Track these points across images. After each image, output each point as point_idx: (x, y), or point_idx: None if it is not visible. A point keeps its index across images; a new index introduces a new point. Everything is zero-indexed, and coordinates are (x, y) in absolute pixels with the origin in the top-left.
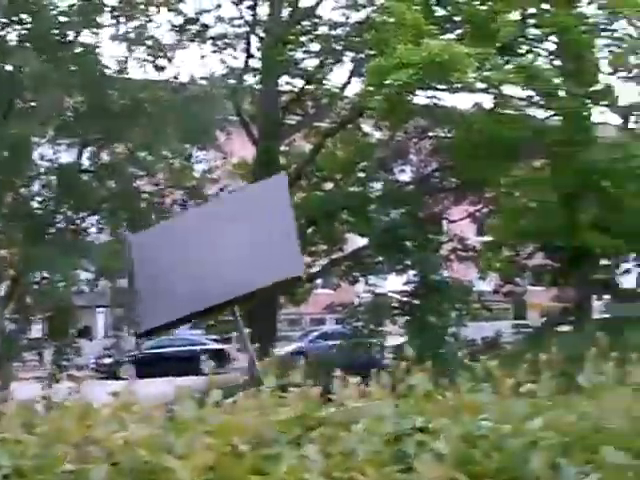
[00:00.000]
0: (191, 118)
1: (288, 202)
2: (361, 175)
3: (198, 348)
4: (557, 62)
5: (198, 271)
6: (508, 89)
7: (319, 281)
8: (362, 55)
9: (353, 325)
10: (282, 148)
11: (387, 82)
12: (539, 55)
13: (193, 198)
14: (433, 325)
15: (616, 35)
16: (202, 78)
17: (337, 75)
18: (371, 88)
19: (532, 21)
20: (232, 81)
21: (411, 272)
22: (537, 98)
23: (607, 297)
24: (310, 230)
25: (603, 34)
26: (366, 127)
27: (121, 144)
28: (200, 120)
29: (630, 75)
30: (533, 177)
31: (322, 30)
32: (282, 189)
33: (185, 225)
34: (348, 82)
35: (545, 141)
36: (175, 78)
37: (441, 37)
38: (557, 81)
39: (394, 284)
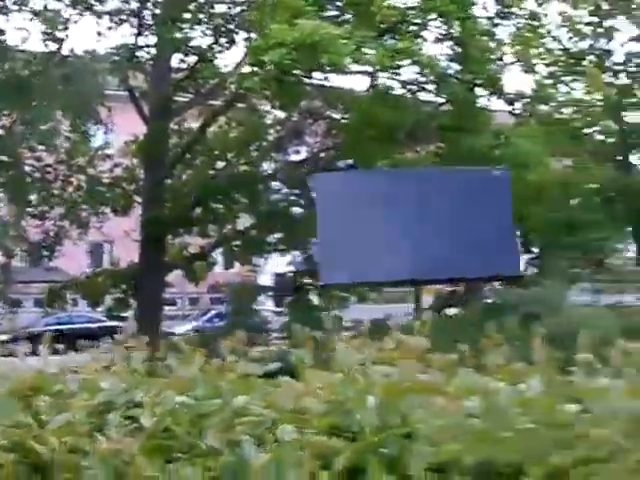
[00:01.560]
0: (75, 92)
1: (510, 199)
2: (255, 154)
3: (96, 325)
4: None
5: (397, 237)
6: (403, 74)
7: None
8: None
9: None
10: (174, 126)
11: (263, 61)
12: (425, 40)
13: (83, 173)
14: (314, 305)
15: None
16: (86, 52)
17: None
18: (252, 68)
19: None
20: (122, 56)
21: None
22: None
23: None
24: (199, 209)
25: (505, 23)
26: (264, 107)
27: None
28: (84, 95)
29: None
30: (413, 160)
31: (218, 8)
32: (505, 184)
33: (384, 183)
34: (241, 61)
35: (432, 126)
36: (70, 52)
37: (321, 18)
38: (447, 67)
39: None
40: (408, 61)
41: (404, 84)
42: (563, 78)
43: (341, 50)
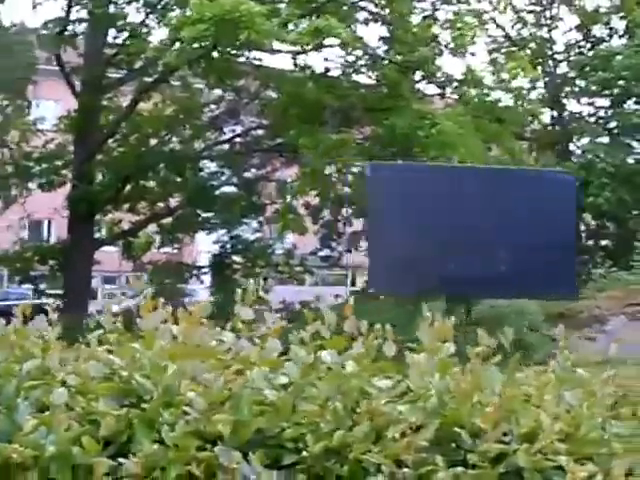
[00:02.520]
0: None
1: (575, 209)
2: (188, 132)
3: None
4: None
5: (455, 247)
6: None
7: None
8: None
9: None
10: (106, 103)
11: (183, 37)
12: (357, 21)
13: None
14: (238, 285)
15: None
16: (15, 25)
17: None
18: (181, 45)
19: None
20: (52, 30)
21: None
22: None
23: None
24: (128, 187)
25: (446, 7)
26: (198, 85)
27: None
28: (13, 69)
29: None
30: (336, 142)
31: None
32: (571, 191)
33: (444, 180)
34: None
35: (360, 107)
36: None
37: None
38: (376, 48)
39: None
40: (337, 41)
41: (345, 66)
42: (506, 65)
43: (262, 28)
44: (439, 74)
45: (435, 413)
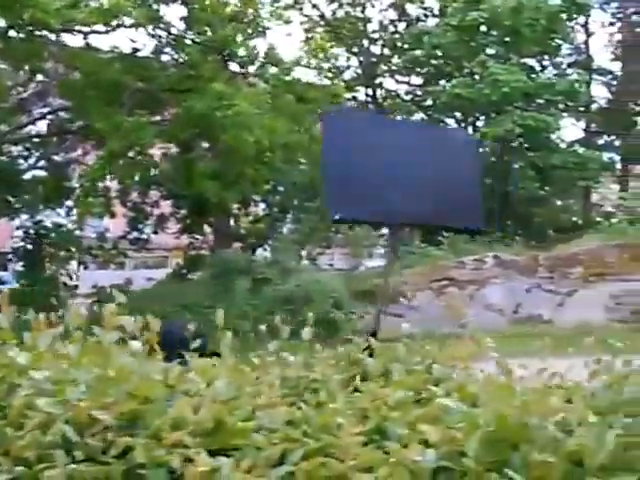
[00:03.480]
0: None
1: (476, 159)
2: None
3: None
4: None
5: (391, 180)
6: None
7: None
8: None
9: None
10: None
11: None
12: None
13: None
14: (43, 271)
15: None
16: None
17: None
18: None
19: None
20: None
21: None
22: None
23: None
24: None
25: None
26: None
27: None
28: None
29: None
30: (132, 124)
31: None
32: (472, 145)
33: (379, 128)
34: None
35: (160, 89)
36: None
37: None
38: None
39: None
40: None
41: (149, 47)
42: (324, 45)
43: (47, 7)
44: (243, 53)
45: (71, 406)
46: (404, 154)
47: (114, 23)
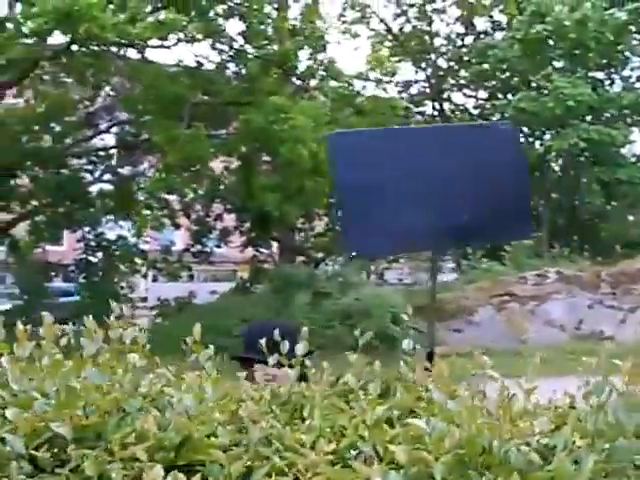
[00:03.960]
0: None
1: (521, 156)
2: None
3: None
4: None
5: (413, 202)
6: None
7: None
8: None
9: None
10: None
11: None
12: (219, 15)
13: None
14: (105, 284)
15: None
16: None
17: None
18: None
19: None
20: None
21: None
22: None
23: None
24: None
25: None
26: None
27: None
28: None
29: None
30: (190, 135)
31: None
32: (513, 139)
33: (397, 141)
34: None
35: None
36: None
37: None
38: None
39: None
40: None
41: (209, 62)
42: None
43: (102, 22)
44: (304, 67)
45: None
46: (427, 167)
47: (173, 37)
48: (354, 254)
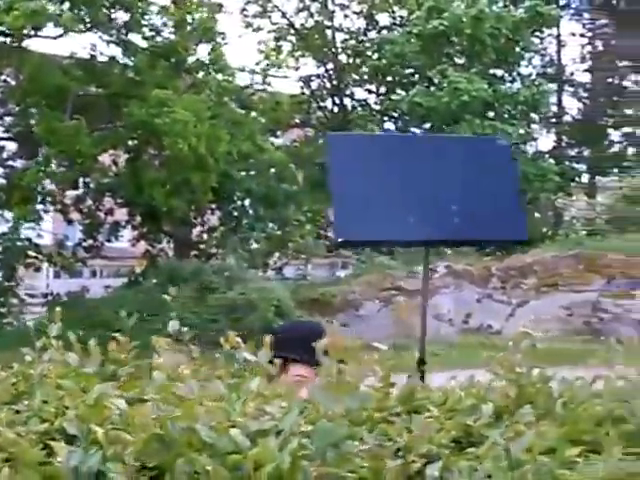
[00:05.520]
0: None
1: (514, 166)
2: None
3: None
4: None
5: (411, 196)
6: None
7: None
8: None
9: None
10: None
11: None
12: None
13: None
14: None
15: None
16: None
17: None
18: None
19: None
20: None
21: None
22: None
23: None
24: None
25: None
26: None
27: None
28: None
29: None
30: (71, 127)
31: None
32: (507, 153)
33: (392, 145)
34: None
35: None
36: None
37: None
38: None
39: None
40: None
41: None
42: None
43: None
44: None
45: None
46: (423, 170)
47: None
48: (344, 240)
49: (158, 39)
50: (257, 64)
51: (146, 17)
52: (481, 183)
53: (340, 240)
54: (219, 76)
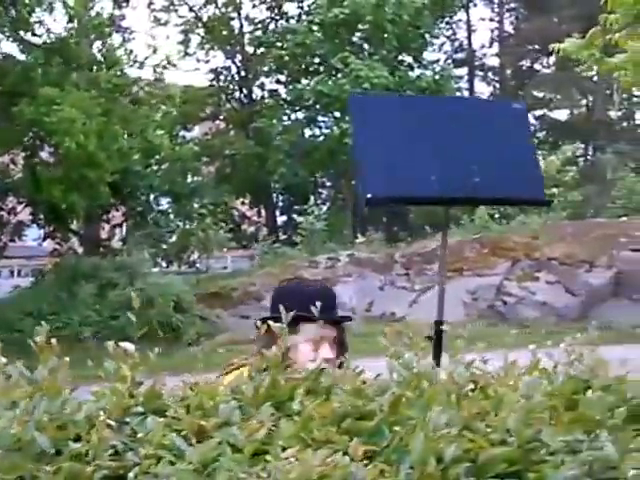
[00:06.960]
0: None
1: (529, 128)
2: None
3: None
4: None
5: (432, 156)
6: None
7: None
8: None
9: None
10: None
11: None
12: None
13: None
14: None
15: None
16: None
17: None
18: None
19: None
20: None
21: None
22: None
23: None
24: None
25: None
26: None
27: None
28: None
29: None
30: None
31: None
32: (524, 114)
33: (411, 106)
34: None
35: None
36: None
37: None
38: None
39: None
40: None
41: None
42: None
43: None
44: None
45: None
46: (444, 130)
47: None
48: (373, 197)
49: (52, 35)
50: (146, 58)
51: (34, 14)
52: (499, 144)
53: (369, 196)
54: (111, 72)
